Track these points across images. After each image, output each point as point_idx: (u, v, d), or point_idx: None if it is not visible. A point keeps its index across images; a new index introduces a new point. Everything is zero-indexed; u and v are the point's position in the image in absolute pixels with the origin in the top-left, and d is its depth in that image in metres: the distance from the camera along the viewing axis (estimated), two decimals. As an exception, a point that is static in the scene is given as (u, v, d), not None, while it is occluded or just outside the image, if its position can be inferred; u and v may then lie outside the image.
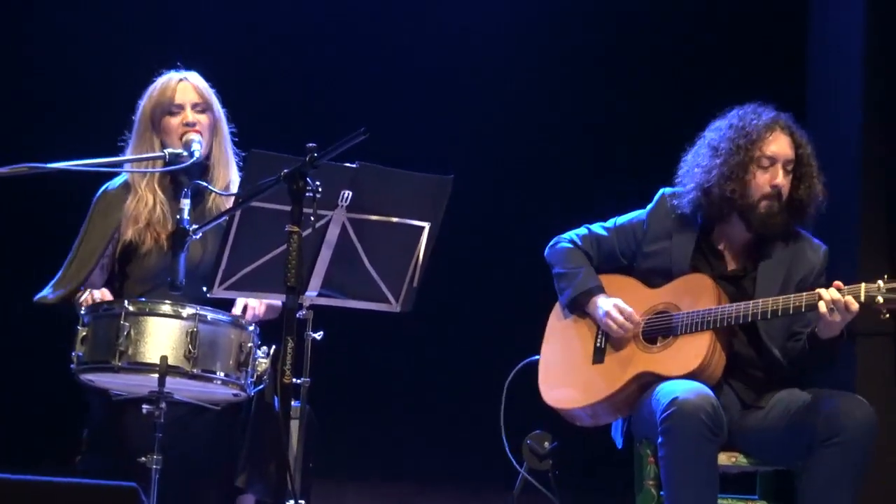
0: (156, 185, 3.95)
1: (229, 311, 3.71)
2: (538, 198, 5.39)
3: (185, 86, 3.97)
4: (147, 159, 3.90)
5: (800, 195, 3.95)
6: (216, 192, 3.89)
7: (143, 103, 3.99)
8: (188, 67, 4.03)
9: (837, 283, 3.75)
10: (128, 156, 3.94)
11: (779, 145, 3.94)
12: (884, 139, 5.08)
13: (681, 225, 4.06)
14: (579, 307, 4.11)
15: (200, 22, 5.26)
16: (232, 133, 4.06)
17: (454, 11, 5.49)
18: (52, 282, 3.90)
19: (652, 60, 5.51)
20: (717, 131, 4.03)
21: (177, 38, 5.12)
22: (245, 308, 3.85)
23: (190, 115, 3.93)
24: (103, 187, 4.02)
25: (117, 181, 4.02)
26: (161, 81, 4.00)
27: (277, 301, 3.90)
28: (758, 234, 3.97)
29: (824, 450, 3.71)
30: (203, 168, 3.95)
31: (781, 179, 3.92)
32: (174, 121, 3.93)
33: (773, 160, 3.93)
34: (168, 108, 3.93)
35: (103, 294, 3.76)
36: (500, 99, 5.48)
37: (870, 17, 5.09)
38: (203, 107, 3.96)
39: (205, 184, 3.80)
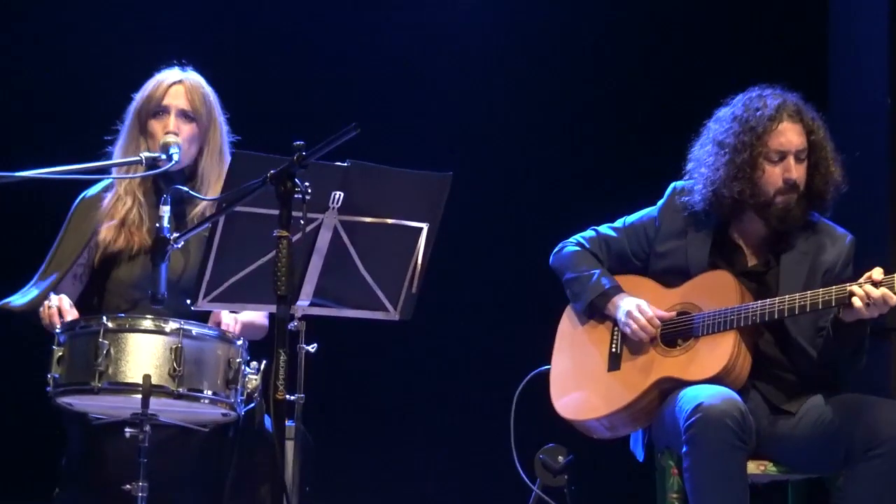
0: (135, 189, 3.84)
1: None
2: (546, 195, 5.33)
3: (177, 89, 3.84)
4: (124, 164, 3.78)
5: (817, 183, 3.84)
6: (197, 198, 3.77)
7: (137, 97, 3.88)
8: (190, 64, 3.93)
9: (877, 270, 3.60)
10: (115, 151, 3.85)
11: (787, 136, 3.81)
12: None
13: (695, 220, 3.95)
14: (597, 311, 4.01)
15: (184, 19, 5.18)
16: (234, 143, 3.94)
17: (452, 6, 5.44)
18: (22, 289, 3.78)
19: (664, 48, 5.46)
20: (721, 123, 3.92)
21: (160, 37, 5.05)
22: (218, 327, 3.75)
23: (172, 123, 3.80)
24: (82, 194, 3.92)
25: (97, 186, 3.92)
26: (156, 79, 3.87)
27: (260, 319, 3.86)
28: (782, 229, 3.86)
29: (865, 462, 3.60)
30: (187, 177, 3.84)
31: (794, 172, 3.81)
32: (157, 125, 3.81)
33: (782, 153, 3.81)
34: (154, 109, 3.82)
35: (60, 301, 3.59)
36: (503, 92, 5.42)
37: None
38: (190, 115, 3.83)
39: (186, 189, 3.67)
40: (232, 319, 3.71)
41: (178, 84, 3.84)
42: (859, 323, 3.65)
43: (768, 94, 3.87)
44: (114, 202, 3.82)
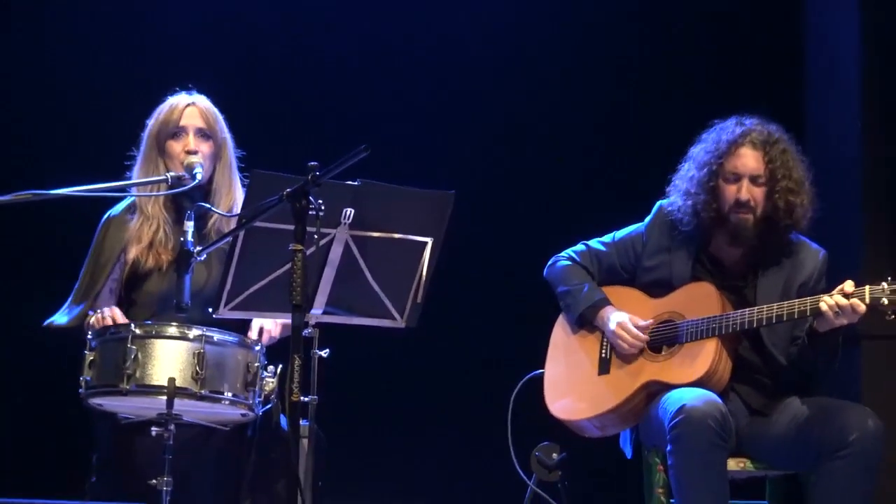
0: (160, 208, 3.94)
1: (245, 334, 3.72)
2: (541, 212, 5.39)
3: (191, 110, 3.96)
4: (149, 183, 3.90)
5: (769, 210, 3.95)
6: (220, 214, 3.88)
7: (151, 123, 3.99)
8: (199, 89, 4.03)
9: (849, 283, 3.75)
10: (134, 175, 3.96)
11: (743, 160, 3.95)
12: (884, 139, 5.07)
13: (680, 237, 4.07)
14: (587, 322, 4.12)
15: (201, 42, 5.27)
16: (239, 158, 4.06)
17: (453, 26, 5.49)
18: (62, 308, 3.89)
19: (649, 73, 5.53)
20: (699, 143, 4.08)
21: (177, 59, 5.14)
22: (261, 331, 3.84)
23: (192, 142, 3.92)
24: (107, 214, 4.02)
25: (120, 206, 4.02)
26: (169, 103, 3.99)
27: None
28: (737, 247, 3.99)
29: (834, 461, 3.71)
30: (205, 192, 3.94)
31: (745, 193, 3.93)
32: (176, 145, 3.92)
33: (736, 175, 3.95)
34: (172, 130, 3.93)
35: (113, 312, 3.74)
36: (501, 114, 5.48)
37: (865, 15, 5.09)
38: (207, 133, 3.95)
39: (208, 206, 3.80)
40: (272, 323, 3.82)
41: (191, 105, 3.96)
42: (832, 332, 3.77)
43: (743, 121, 4.01)
44: (140, 224, 3.91)
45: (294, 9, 5.44)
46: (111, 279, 3.92)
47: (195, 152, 3.90)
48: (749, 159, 3.97)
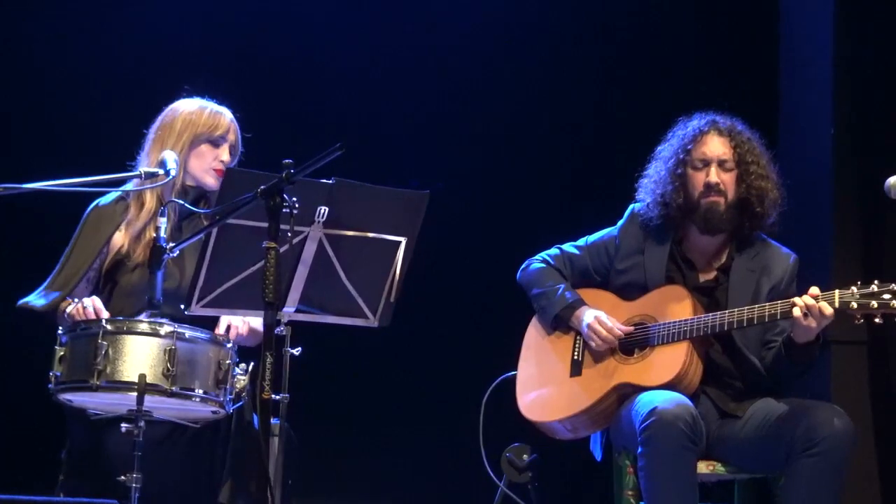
0: (158, 201, 3.95)
1: (213, 330, 3.71)
2: (515, 213, 5.42)
3: (234, 127, 4.04)
4: (128, 177, 3.83)
5: (742, 194, 4.00)
6: (193, 210, 3.89)
7: (190, 116, 3.99)
8: (177, 86, 4.08)
9: (814, 288, 3.78)
10: (151, 157, 3.93)
11: (710, 146, 4.02)
12: (855, 147, 5.12)
13: (652, 238, 4.11)
14: (562, 323, 4.14)
15: (182, 38, 5.29)
16: None
17: (431, 26, 5.53)
18: (38, 290, 3.88)
19: (625, 83, 5.57)
20: (665, 142, 4.15)
21: (155, 56, 5.18)
22: (228, 327, 3.84)
23: (226, 156, 3.99)
24: (95, 202, 4.02)
25: (109, 197, 4.02)
26: (213, 109, 4.02)
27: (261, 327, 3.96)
28: (711, 234, 4.02)
29: (803, 460, 3.73)
30: (201, 195, 3.99)
31: (714, 177, 3.98)
32: (209, 152, 3.98)
33: (704, 161, 4.01)
34: (214, 137, 3.98)
35: (94, 302, 3.72)
36: (476, 116, 5.51)
37: (839, 30, 5.15)
38: (234, 152, 4.03)
39: (180, 202, 3.80)
40: (241, 321, 3.83)
41: (233, 122, 4.04)
42: (809, 344, 3.80)
43: (706, 115, 4.08)
44: (134, 217, 3.93)
45: (270, 7, 5.45)
46: (92, 269, 3.92)
47: (224, 164, 3.97)
48: (716, 145, 4.03)
